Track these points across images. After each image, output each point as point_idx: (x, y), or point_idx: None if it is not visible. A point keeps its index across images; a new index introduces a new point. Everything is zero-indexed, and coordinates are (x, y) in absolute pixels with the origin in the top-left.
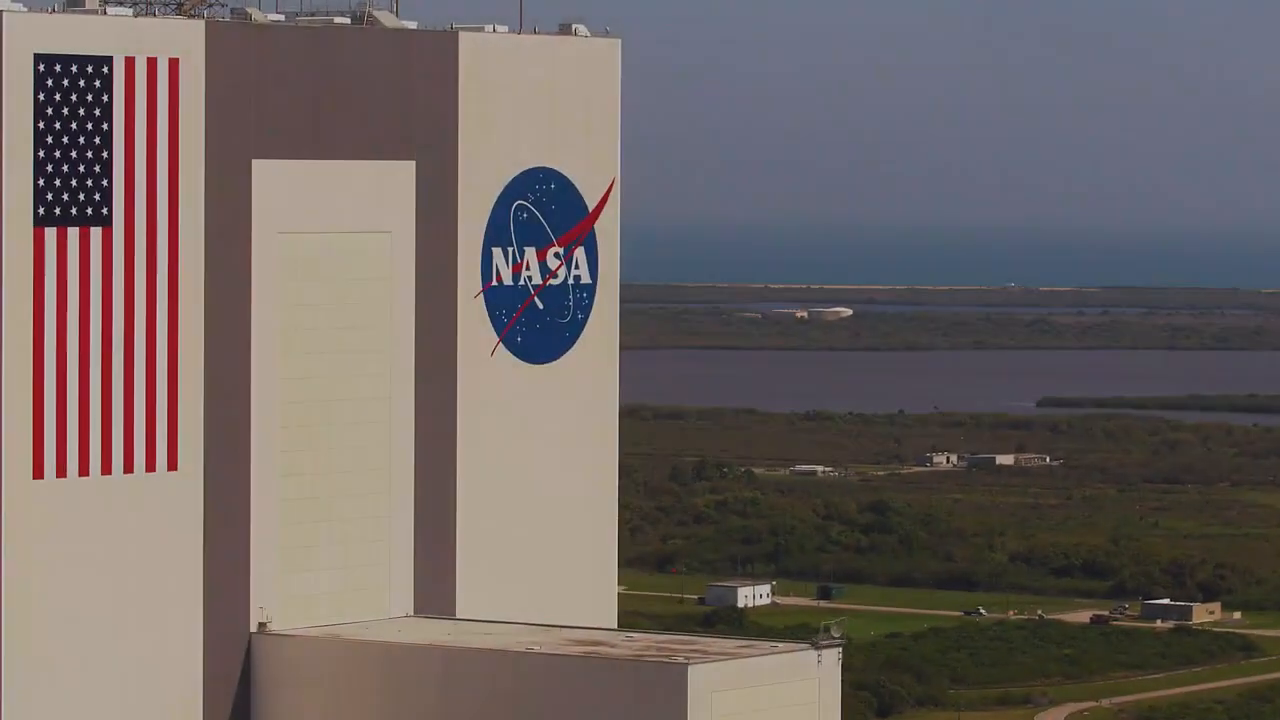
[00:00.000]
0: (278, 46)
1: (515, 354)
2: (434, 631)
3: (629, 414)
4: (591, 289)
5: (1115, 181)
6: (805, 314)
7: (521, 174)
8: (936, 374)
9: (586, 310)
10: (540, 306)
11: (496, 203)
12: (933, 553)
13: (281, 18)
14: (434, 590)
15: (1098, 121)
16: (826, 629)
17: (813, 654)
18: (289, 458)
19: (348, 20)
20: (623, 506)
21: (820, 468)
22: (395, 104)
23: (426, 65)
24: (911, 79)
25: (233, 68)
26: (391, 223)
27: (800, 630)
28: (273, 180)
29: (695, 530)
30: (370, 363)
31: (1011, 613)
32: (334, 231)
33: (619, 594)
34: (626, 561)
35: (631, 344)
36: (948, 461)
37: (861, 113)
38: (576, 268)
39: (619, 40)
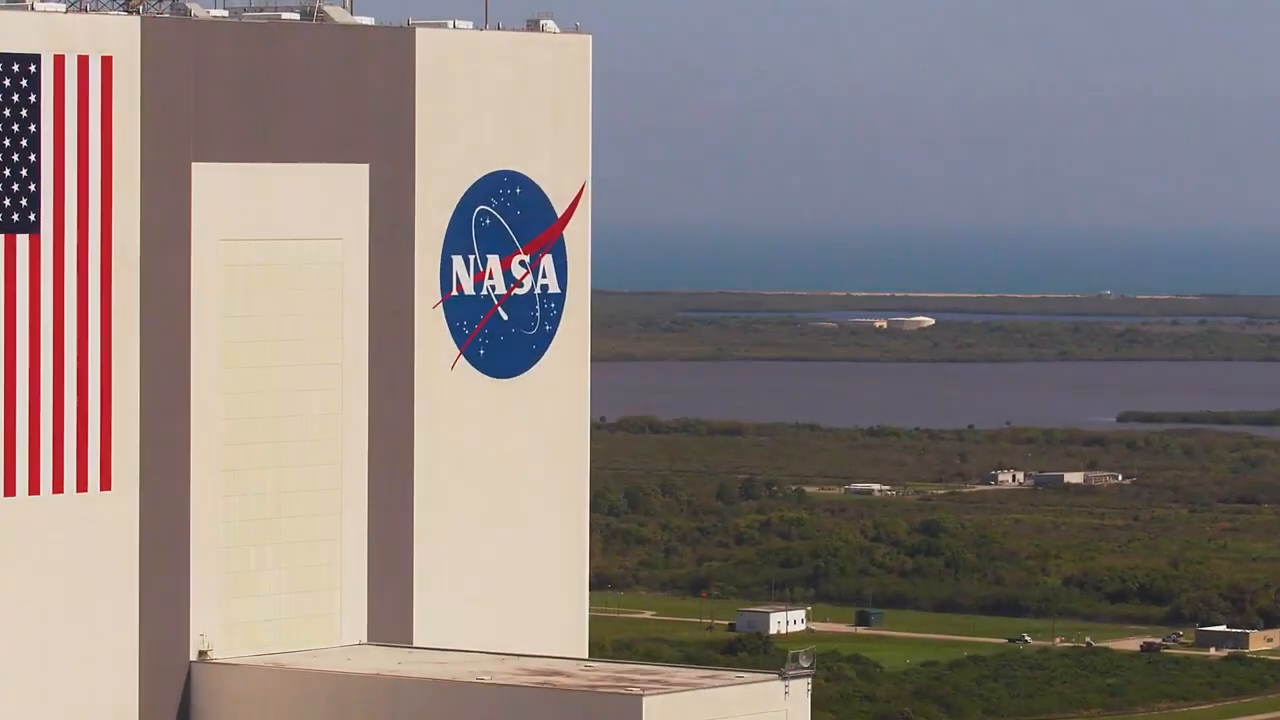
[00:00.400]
0: (220, 43)
1: (477, 368)
2: (385, 660)
3: (682, 429)
4: (560, 299)
5: (1224, 183)
6: (884, 323)
7: (484, 178)
8: (1015, 387)
9: (555, 321)
10: (504, 317)
11: (457, 208)
12: (981, 576)
13: (225, 13)
14: (389, 617)
15: (1205, 119)
16: (795, 658)
17: (780, 685)
18: (232, 477)
19: (296, 16)
20: (661, 527)
21: (877, 486)
22: (347, 104)
23: (381, 63)
24: (989, 67)
25: (171, 66)
26: (343, 229)
27: (830, 658)
28: (214, 185)
29: (734, 552)
30: (320, 377)
31: (1058, 640)
32: (281, 239)
33: (646, 619)
34: (659, 585)
35: (697, 354)
36: (1013, 480)
37: (943, 109)
38: (544, 276)
39: (589, 37)
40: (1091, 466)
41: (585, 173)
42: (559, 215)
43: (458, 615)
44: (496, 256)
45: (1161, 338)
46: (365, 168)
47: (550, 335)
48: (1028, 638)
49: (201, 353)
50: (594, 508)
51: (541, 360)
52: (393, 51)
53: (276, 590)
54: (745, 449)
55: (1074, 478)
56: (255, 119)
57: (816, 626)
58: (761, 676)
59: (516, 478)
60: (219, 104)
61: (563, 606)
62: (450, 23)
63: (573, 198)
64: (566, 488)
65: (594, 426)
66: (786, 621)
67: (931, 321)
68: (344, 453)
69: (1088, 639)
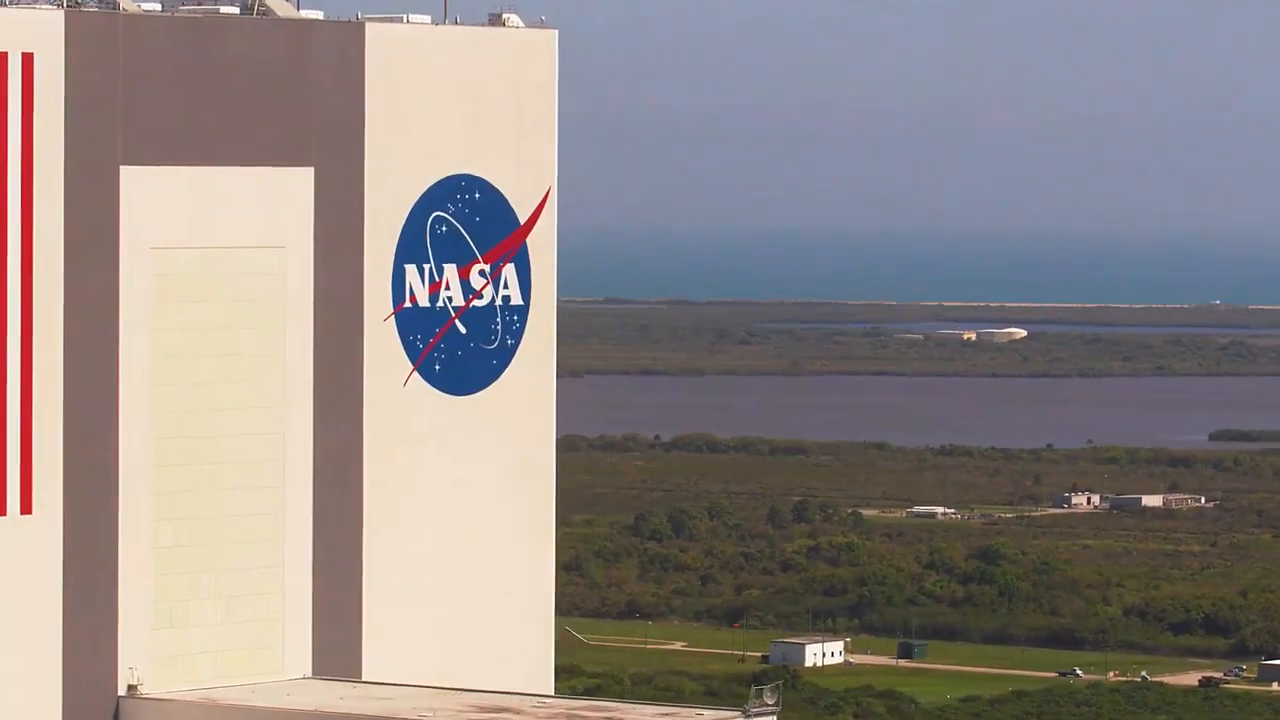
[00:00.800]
0: (151, 39)
1: (433, 384)
2: (327, 696)
3: (741, 449)
4: (523, 311)
5: None
6: (973, 335)
7: (440, 182)
8: (1103, 403)
9: (517, 335)
10: (462, 331)
11: (410, 214)
12: (1036, 606)
13: (157, 7)
14: (336, 649)
15: None
16: (760, 694)
17: None
18: (165, 500)
19: (235, 10)
20: (704, 552)
21: (940, 509)
22: (290, 103)
23: (327, 60)
24: (1079, 64)
25: (98, 63)
26: (286, 237)
27: (863, 693)
28: (144, 189)
29: (777, 579)
30: (261, 394)
31: (1112, 674)
32: (218, 247)
33: (676, 650)
34: (694, 614)
35: (770, 369)
36: (1087, 502)
37: (1036, 108)
38: (505, 287)
39: (555, 32)
40: (1173, 488)
41: (550, 177)
42: (522, 222)
43: (411, 647)
44: (454, 266)
45: (1268, 352)
46: (310, 171)
47: (512, 350)
48: (1079, 671)
49: (131, 368)
50: (636, 532)
51: (502, 376)
52: (340, 47)
53: (213, 621)
54: (807, 469)
55: (1152, 500)
56: (190, 119)
57: (856, 659)
58: (724, 714)
59: (475, 501)
60: (150, 103)
61: (527, 637)
62: (404, 17)
63: (537, 203)
64: (530, 511)
65: (649, 445)
66: (823, 654)
67: (1023, 333)
68: (286, 475)
69: (1143, 673)
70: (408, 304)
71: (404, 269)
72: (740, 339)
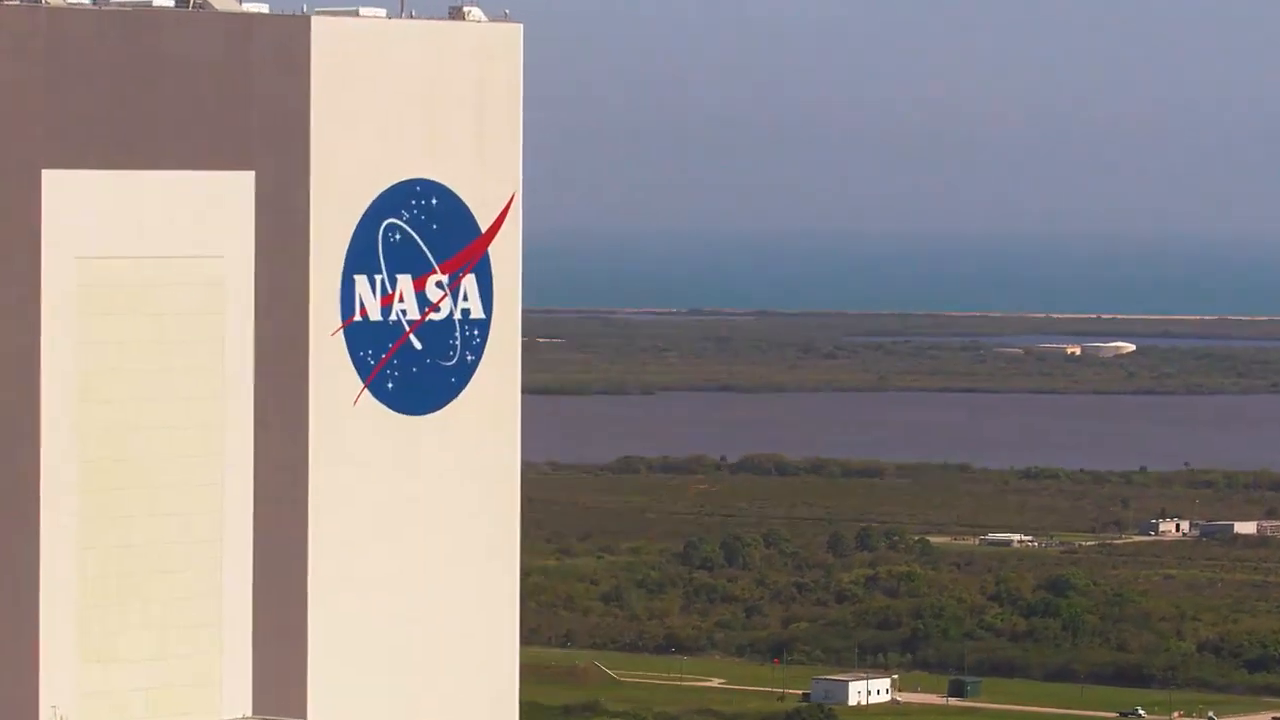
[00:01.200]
0: (77, 34)
1: (385, 403)
2: None
3: (812, 470)
4: (484, 325)
5: None
6: (1078, 350)
7: (394, 187)
8: (1209, 423)
9: (478, 350)
10: (418, 346)
11: (361, 222)
12: (1104, 641)
13: (86, 1)
14: (279, 685)
15: None
16: None
17: None
18: (91, 527)
19: (170, 2)
20: (756, 582)
21: (1017, 537)
22: (229, 102)
23: (270, 56)
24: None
25: (18, 59)
26: (224, 245)
27: None
28: (69, 194)
29: (828, 611)
30: (198, 412)
31: (1176, 715)
32: (150, 256)
33: (712, 688)
34: (736, 649)
35: (857, 384)
36: (1176, 529)
37: (1140, 104)
38: (465, 299)
39: (520, 26)
40: (1270, 514)
41: (515, 181)
42: (483, 230)
43: (361, 683)
44: (408, 277)
45: None
46: (250, 175)
47: (472, 366)
48: (1141, 711)
49: (53, 385)
50: (685, 560)
51: (462, 395)
52: (284, 43)
53: (145, 655)
54: (879, 493)
55: (1245, 528)
56: (119, 119)
57: (904, 697)
58: None
59: (432, 529)
60: (75, 102)
61: (487, 672)
62: (357, 10)
63: (500, 210)
64: (492, 538)
65: (713, 467)
66: (868, 691)
67: (1131, 347)
68: (225, 500)
69: (1210, 713)
70: (358, 317)
71: (353, 280)
72: (827, 353)
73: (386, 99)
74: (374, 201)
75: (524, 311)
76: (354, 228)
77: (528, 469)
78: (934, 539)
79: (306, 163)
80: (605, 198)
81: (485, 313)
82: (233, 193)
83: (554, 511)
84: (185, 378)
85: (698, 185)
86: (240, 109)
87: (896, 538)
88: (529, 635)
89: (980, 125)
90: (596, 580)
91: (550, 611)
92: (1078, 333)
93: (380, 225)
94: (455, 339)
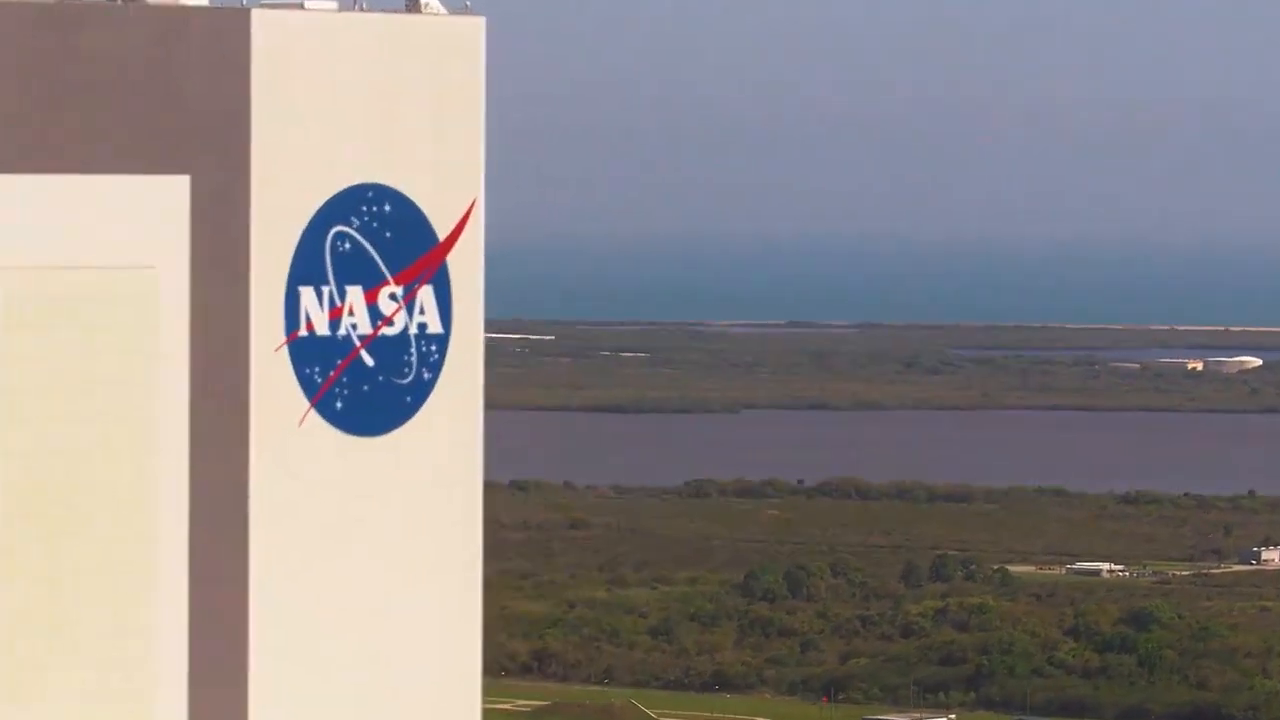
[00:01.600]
0: None
1: (333, 424)
2: None
3: (896, 495)
4: (443, 340)
5: None
6: (1199, 365)
7: (343, 192)
8: None
9: (436, 367)
10: (369, 363)
11: (307, 229)
12: (1182, 678)
13: None
14: None
15: None
16: None
17: None
18: (9, 558)
19: None
20: (817, 615)
21: (1107, 566)
22: (162, 101)
23: (206, 52)
24: None
25: None
26: (156, 255)
27: None
28: None
29: (890, 646)
30: (128, 436)
31: None
32: (74, 267)
33: None
34: (788, 686)
35: (959, 402)
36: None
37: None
38: (421, 313)
39: (483, 19)
40: None
41: (476, 186)
42: (441, 239)
43: None
44: (359, 288)
45: None
46: (185, 180)
47: (430, 384)
48: None
49: None
50: (745, 592)
51: (418, 415)
52: (221, 38)
53: (70, 695)
54: (966, 519)
55: None
56: (39, 120)
57: None
58: None
59: (385, 558)
60: None
61: (446, 710)
62: (302, 3)
63: (460, 217)
64: (450, 567)
65: (789, 491)
66: None
67: (1258, 362)
68: (158, 527)
69: None
70: (303, 332)
71: (298, 292)
72: (930, 368)
73: (335, 98)
74: (321, 208)
75: (600, 324)
76: (299, 236)
77: (589, 493)
78: (1016, 569)
79: (246, 166)
80: (693, 201)
81: (444, 327)
82: (165, 199)
83: (611, 539)
84: (115, 397)
85: (791, 189)
86: (174, 109)
87: (974, 567)
88: (566, 672)
89: (1100, 125)
90: (646, 613)
91: (591, 646)
92: (1203, 346)
93: (328, 233)
94: (410, 355)
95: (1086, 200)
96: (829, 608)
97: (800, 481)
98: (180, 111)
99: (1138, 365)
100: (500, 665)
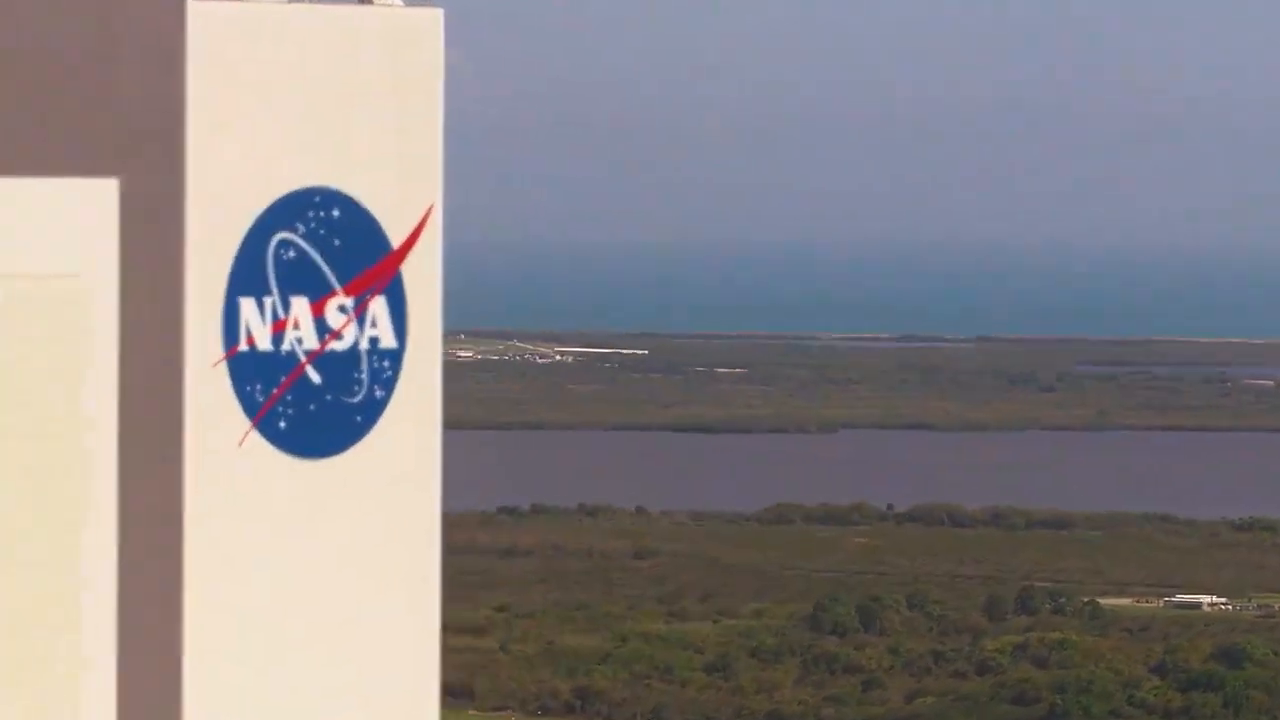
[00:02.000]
0: None
1: (276, 445)
2: None
3: (991, 521)
4: (397, 355)
5: None
6: None
7: (287, 196)
8: None
9: (389, 385)
10: (316, 380)
11: (247, 236)
12: None
13: None
14: None
15: None
16: None
17: None
18: None
19: None
20: (889, 650)
21: (1209, 599)
22: (88, 98)
23: (136, 44)
24: None
25: None
26: (82, 263)
27: None
28: None
29: (962, 684)
30: (51, 457)
31: None
32: None
33: None
34: None
35: (1071, 422)
36: None
37: None
38: (373, 326)
39: (440, 11)
40: None
41: (434, 190)
42: (395, 246)
43: None
44: (304, 299)
45: None
46: (113, 183)
47: (382, 403)
48: None
49: None
50: (814, 625)
51: (369, 435)
52: (153, 29)
53: None
54: (1064, 547)
55: None
56: None
57: None
58: None
59: (332, 590)
60: None
61: None
62: None
63: (415, 223)
64: (403, 598)
65: (877, 517)
66: None
67: None
68: (83, 555)
69: None
70: (244, 346)
71: (238, 303)
72: (1045, 385)
73: (279, 95)
74: (263, 213)
75: (697, 337)
76: (239, 243)
77: (663, 519)
78: (1111, 601)
79: (181, 168)
80: (797, 206)
81: (398, 342)
82: (92, 203)
83: (677, 568)
84: (36, 415)
85: (919, 192)
86: (100, 107)
87: (1063, 599)
88: (611, 711)
89: (1244, 126)
90: (703, 648)
91: (640, 684)
92: None
93: (270, 240)
94: (361, 371)
95: (1229, 204)
96: (901, 643)
97: (890, 507)
98: (108, 109)
99: (1273, 383)
100: (541, 704)
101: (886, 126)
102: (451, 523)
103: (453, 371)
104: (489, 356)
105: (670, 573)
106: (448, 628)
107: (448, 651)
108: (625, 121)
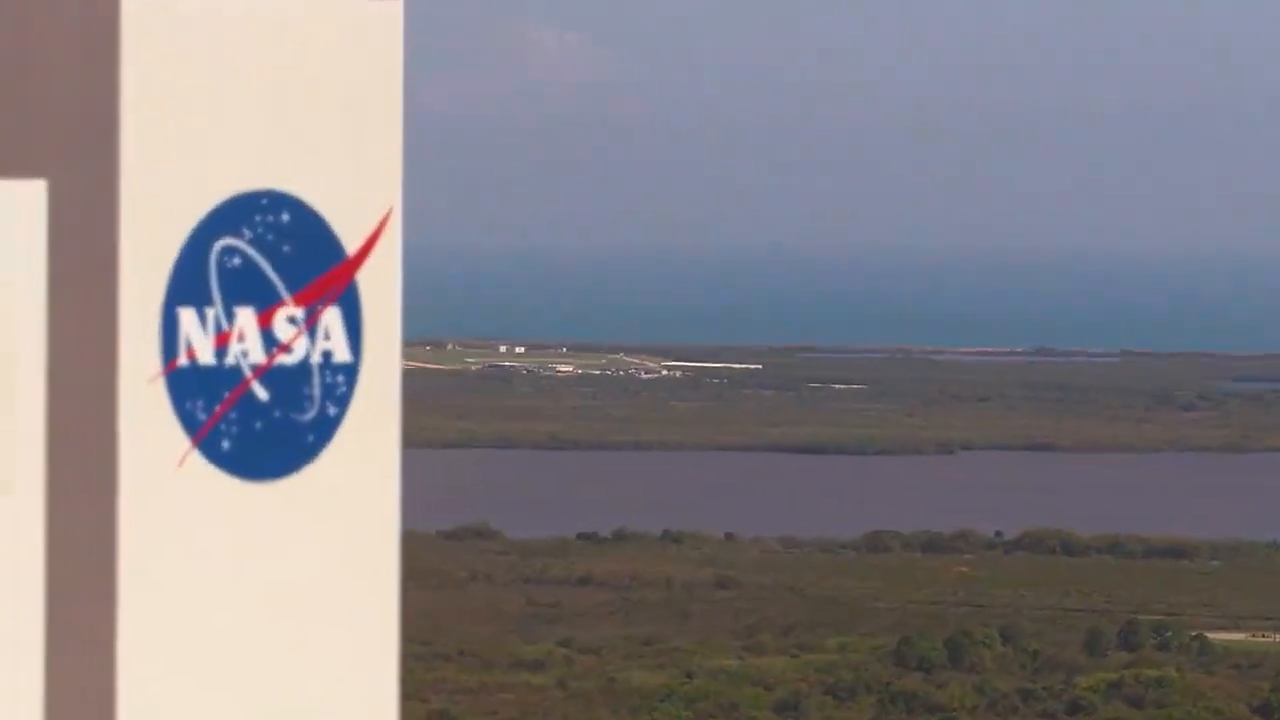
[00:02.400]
0: None
1: (220, 467)
2: None
3: (1108, 549)
4: (352, 369)
5: None
6: None
7: (232, 200)
8: None
9: (342, 401)
10: (263, 397)
11: (188, 242)
12: None
13: None
14: None
15: None
16: None
17: None
18: None
19: None
20: (975, 688)
21: None
22: (12, 96)
23: (65, 38)
24: None
25: None
26: (7, 271)
27: None
28: None
29: None
30: None
31: None
32: None
33: None
34: None
35: (1208, 443)
36: None
37: None
38: (326, 338)
39: (400, 3)
40: None
41: (392, 194)
42: (350, 253)
43: None
44: (250, 310)
45: None
46: (41, 185)
47: (335, 421)
48: None
49: None
50: (899, 660)
51: (321, 456)
52: (84, 22)
53: None
54: (1182, 577)
55: None
56: None
57: None
58: None
59: (280, 623)
60: None
61: None
62: None
63: (371, 229)
64: (358, 631)
65: (983, 545)
66: None
67: None
68: (12, 585)
69: None
70: (184, 360)
71: (177, 314)
72: (1184, 404)
73: (223, 92)
74: (205, 218)
75: (819, 351)
76: (178, 250)
77: (752, 546)
78: (1223, 635)
79: (114, 170)
80: (934, 212)
81: (353, 355)
82: (18, 207)
83: (759, 599)
84: None
85: (1054, 197)
86: (25, 104)
87: (1169, 633)
88: None
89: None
90: (774, 685)
91: None
92: None
93: (213, 247)
94: (312, 387)
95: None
96: (989, 680)
97: (998, 534)
98: (33, 107)
99: None
100: None
101: (1041, 134)
102: (525, 550)
103: (550, 387)
104: (590, 371)
105: (752, 604)
106: (501, 663)
107: (499, 689)
108: (732, 126)
